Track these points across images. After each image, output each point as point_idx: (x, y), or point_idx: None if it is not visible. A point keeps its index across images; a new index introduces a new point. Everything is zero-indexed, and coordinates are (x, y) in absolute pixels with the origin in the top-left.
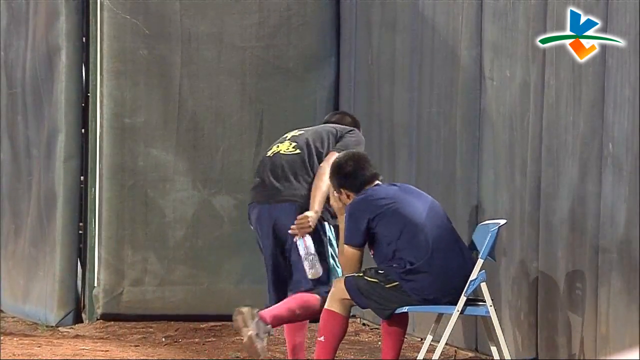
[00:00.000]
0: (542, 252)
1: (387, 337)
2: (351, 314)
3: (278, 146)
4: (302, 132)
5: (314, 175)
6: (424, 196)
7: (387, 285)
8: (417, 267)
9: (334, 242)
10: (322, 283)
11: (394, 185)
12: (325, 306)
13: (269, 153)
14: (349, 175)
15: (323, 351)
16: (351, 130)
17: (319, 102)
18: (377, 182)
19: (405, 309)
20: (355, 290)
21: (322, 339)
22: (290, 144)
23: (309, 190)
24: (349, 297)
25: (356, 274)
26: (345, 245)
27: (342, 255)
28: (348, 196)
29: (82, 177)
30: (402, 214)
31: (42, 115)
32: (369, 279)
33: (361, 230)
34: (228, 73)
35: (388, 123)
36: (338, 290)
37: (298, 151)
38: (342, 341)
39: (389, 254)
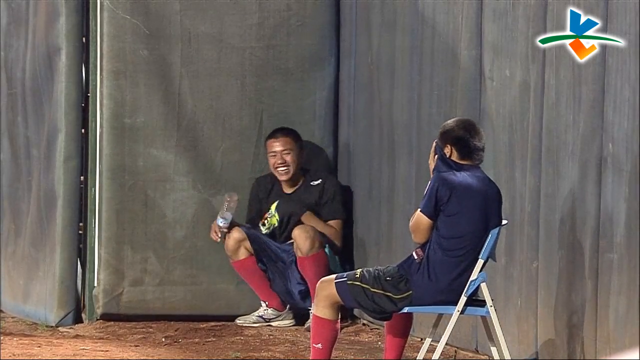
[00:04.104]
0: (542, 252)
1: (391, 337)
2: (351, 314)
3: None
4: None
5: None
6: (495, 211)
7: (397, 296)
8: (432, 286)
9: None
10: None
11: (484, 183)
12: (315, 312)
13: None
14: (460, 138)
15: (320, 356)
16: None
17: (319, 102)
18: (479, 166)
19: (405, 310)
20: (350, 298)
21: (319, 346)
22: None
23: None
24: (338, 300)
25: (349, 281)
26: (420, 213)
27: (415, 220)
28: (450, 154)
29: (82, 177)
30: (464, 228)
31: (42, 115)
32: (372, 289)
33: (436, 207)
34: (228, 73)
35: (388, 123)
36: (328, 295)
37: None
38: (342, 341)
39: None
